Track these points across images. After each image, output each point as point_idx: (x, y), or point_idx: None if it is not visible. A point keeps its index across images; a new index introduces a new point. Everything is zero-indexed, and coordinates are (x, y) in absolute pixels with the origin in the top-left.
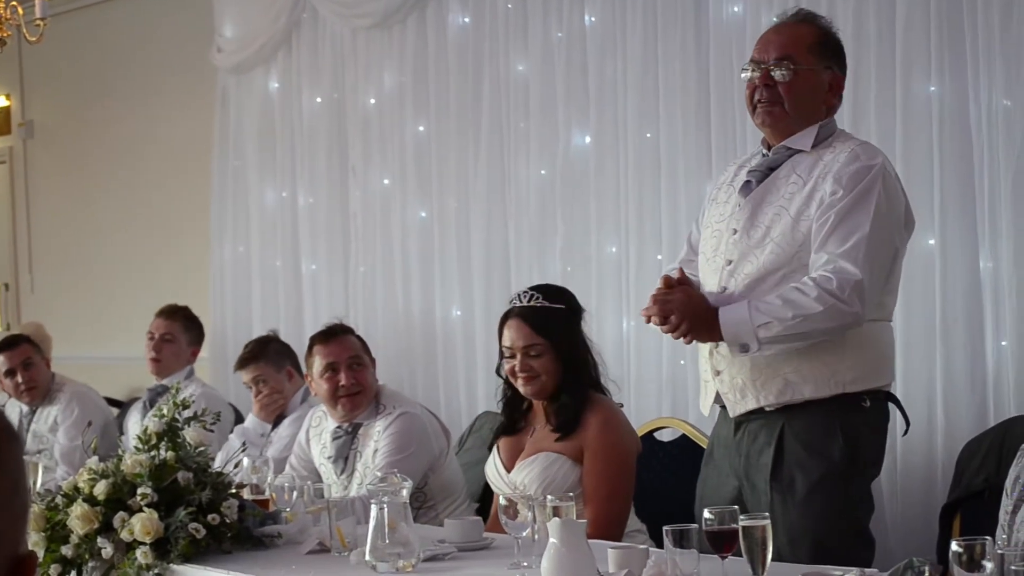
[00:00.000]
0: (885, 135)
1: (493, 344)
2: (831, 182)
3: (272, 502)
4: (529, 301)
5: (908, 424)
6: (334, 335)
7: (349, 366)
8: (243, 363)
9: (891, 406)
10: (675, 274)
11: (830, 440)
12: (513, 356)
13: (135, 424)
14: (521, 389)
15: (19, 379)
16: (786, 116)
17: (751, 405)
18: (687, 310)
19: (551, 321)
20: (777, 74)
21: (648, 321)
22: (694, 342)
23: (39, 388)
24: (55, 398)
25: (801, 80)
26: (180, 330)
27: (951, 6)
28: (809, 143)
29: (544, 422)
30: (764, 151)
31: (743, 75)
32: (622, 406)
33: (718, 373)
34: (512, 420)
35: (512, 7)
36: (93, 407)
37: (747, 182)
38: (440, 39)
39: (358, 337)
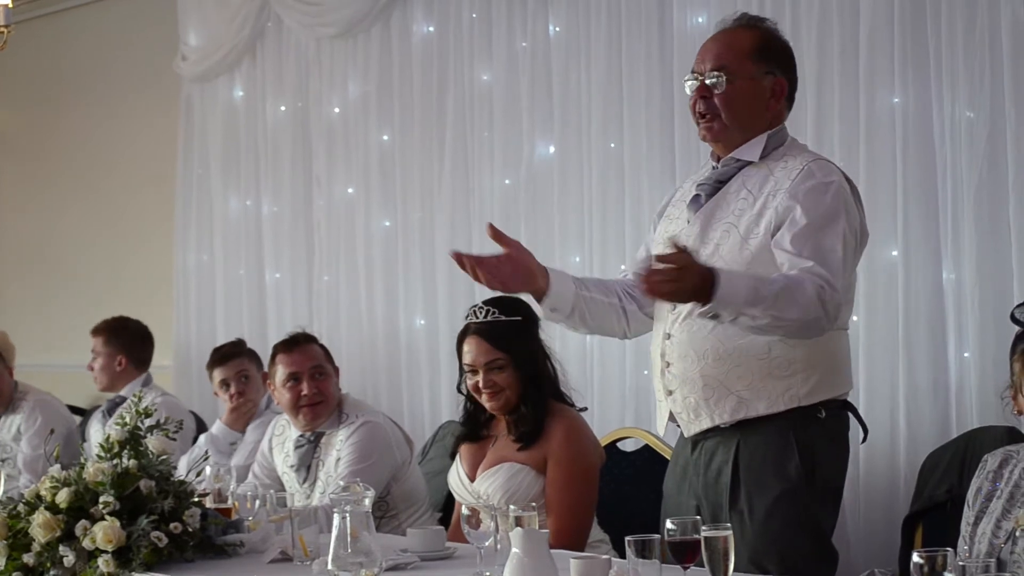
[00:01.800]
0: (848, 146)
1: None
2: (785, 198)
3: (235, 511)
4: (486, 317)
5: (866, 432)
6: (297, 344)
7: (311, 376)
8: (226, 358)
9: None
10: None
11: (786, 457)
12: (475, 372)
13: (96, 432)
14: (486, 405)
15: None
16: (725, 129)
17: (705, 424)
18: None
19: (509, 334)
20: (712, 85)
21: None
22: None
23: (2, 396)
24: (18, 407)
25: (737, 90)
26: (100, 344)
27: (915, 17)
28: (757, 154)
29: (506, 432)
30: (713, 163)
31: (685, 86)
32: (585, 410)
33: (670, 393)
34: (473, 429)
35: (476, 16)
36: (56, 415)
37: (696, 196)
38: (404, 48)
39: (321, 346)
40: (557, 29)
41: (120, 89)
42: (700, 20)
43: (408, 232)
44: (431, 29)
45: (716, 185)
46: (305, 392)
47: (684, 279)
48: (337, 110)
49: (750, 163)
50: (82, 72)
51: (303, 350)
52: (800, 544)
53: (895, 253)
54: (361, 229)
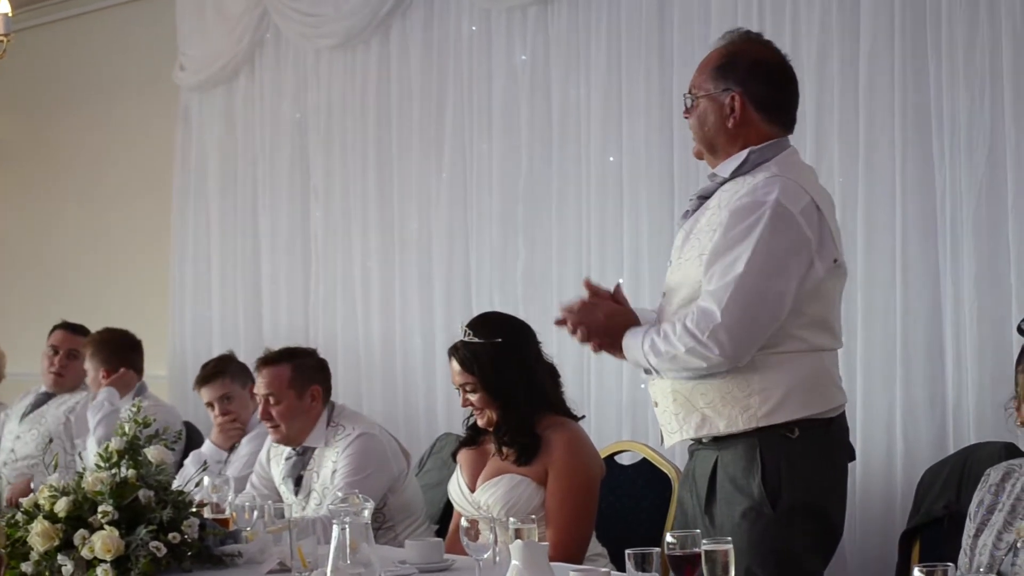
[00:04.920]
0: (848, 161)
1: None
2: (726, 215)
3: (232, 521)
4: (465, 337)
5: (853, 454)
6: (264, 364)
7: (265, 400)
8: (207, 380)
9: (847, 428)
10: (611, 287)
11: (750, 476)
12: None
13: (91, 442)
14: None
15: (54, 361)
16: (699, 147)
17: (677, 438)
18: (601, 327)
19: (479, 357)
20: (688, 105)
21: (561, 322)
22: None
23: (66, 379)
24: (79, 391)
25: (699, 109)
26: (86, 358)
27: (915, 33)
28: (730, 170)
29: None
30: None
31: None
32: (583, 417)
33: (656, 404)
34: (474, 435)
35: (476, 29)
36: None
37: (686, 211)
38: (403, 60)
39: (300, 364)
40: (556, 42)
41: (118, 98)
42: (700, 34)
43: (405, 244)
44: (430, 41)
45: (699, 200)
46: (260, 415)
47: (598, 320)
48: (335, 121)
49: (727, 179)
50: (80, 80)
51: (265, 373)
52: (770, 562)
53: (894, 271)
54: (358, 241)
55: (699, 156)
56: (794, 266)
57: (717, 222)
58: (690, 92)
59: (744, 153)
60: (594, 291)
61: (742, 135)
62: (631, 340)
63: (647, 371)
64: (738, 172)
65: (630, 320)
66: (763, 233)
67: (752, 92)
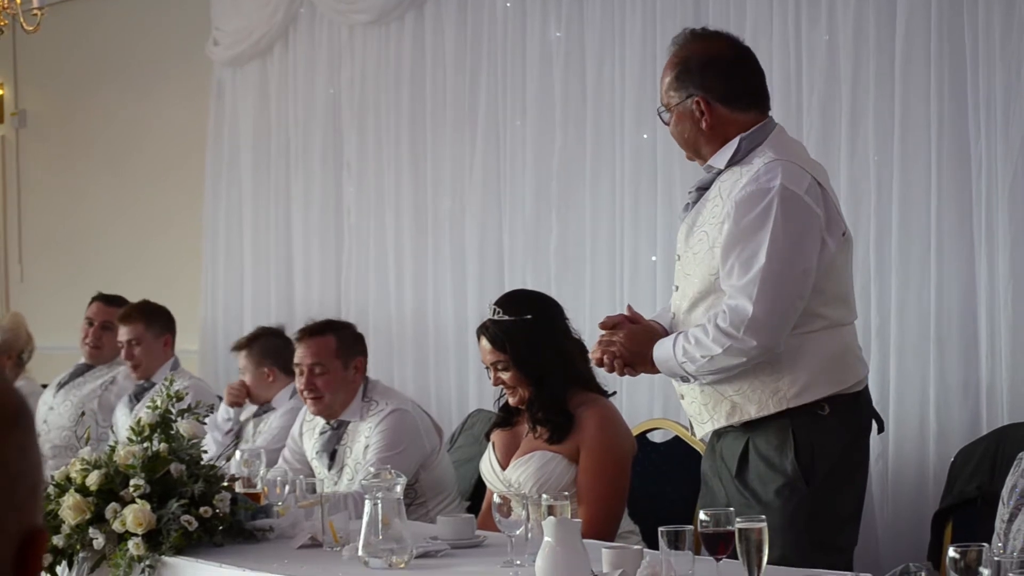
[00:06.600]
0: (883, 138)
1: None
2: (731, 204)
3: (264, 495)
4: (492, 315)
5: (881, 425)
6: (307, 335)
7: (311, 370)
8: (236, 347)
9: (870, 399)
10: (625, 311)
11: (782, 455)
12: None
13: (123, 416)
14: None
15: (89, 333)
16: (688, 154)
17: (708, 427)
18: (626, 351)
19: (511, 335)
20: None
21: (599, 365)
22: None
23: (103, 351)
24: (116, 364)
25: (674, 122)
26: (141, 330)
27: (952, 13)
28: (724, 160)
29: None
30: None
31: None
32: (615, 393)
33: (683, 397)
34: (507, 416)
35: (511, 5)
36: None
37: (687, 204)
38: (437, 36)
39: (343, 335)
40: (591, 18)
41: (152, 72)
42: (735, 10)
43: (438, 220)
44: (465, 17)
45: (699, 192)
46: (302, 386)
47: (619, 350)
48: (369, 97)
49: (724, 169)
50: (114, 55)
51: (310, 343)
52: (801, 540)
53: (928, 248)
54: (391, 217)
55: (691, 159)
56: (810, 244)
57: (723, 213)
58: (663, 106)
59: (735, 141)
60: (610, 324)
61: (720, 132)
62: (662, 353)
63: (683, 379)
64: (733, 161)
65: (653, 334)
66: (776, 219)
67: (713, 91)
